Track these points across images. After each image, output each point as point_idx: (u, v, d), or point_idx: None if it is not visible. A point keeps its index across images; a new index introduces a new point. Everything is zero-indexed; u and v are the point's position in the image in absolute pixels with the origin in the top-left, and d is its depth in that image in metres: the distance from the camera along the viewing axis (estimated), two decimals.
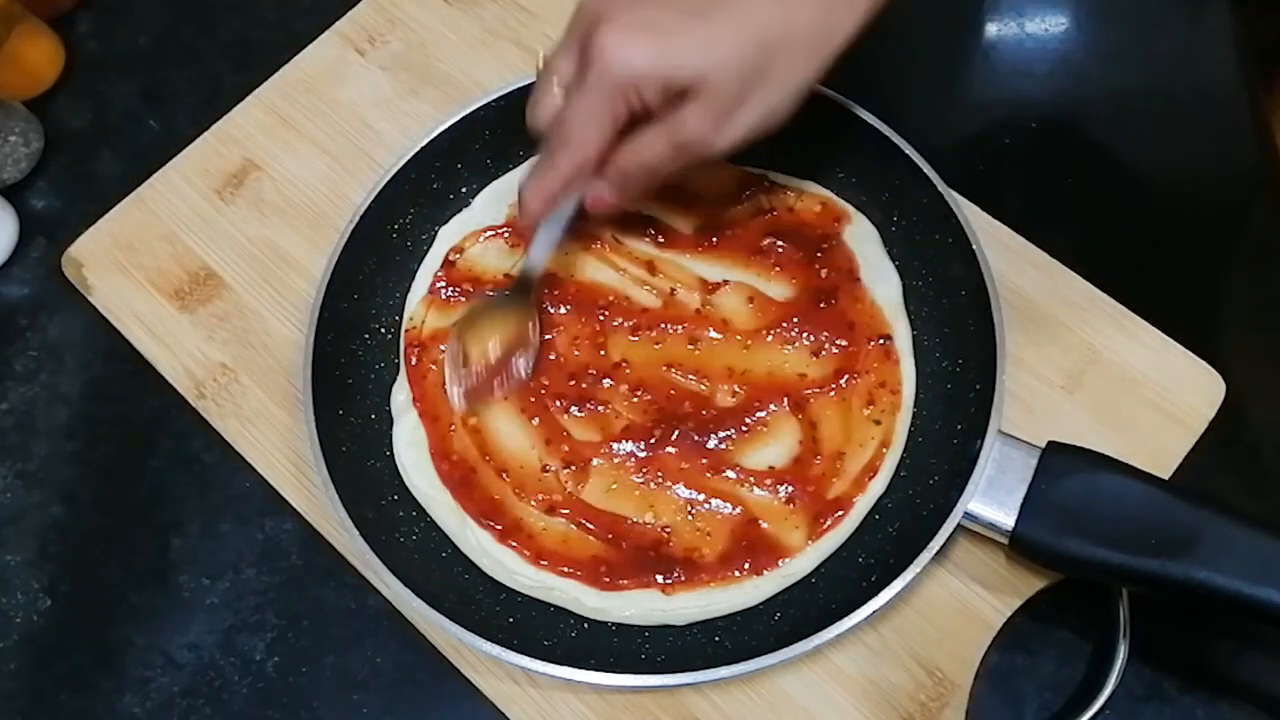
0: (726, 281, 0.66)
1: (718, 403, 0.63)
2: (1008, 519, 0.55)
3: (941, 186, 0.62)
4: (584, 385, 0.63)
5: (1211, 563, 0.51)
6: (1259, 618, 0.52)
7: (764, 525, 0.60)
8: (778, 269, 0.66)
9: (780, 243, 0.66)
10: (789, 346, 0.64)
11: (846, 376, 0.62)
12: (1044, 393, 0.62)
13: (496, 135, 0.68)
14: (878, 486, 0.60)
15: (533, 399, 0.63)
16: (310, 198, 0.71)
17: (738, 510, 0.60)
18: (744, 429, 0.62)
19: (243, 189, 0.71)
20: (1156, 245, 0.69)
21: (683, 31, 0.51)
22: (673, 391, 0.63)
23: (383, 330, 0.66)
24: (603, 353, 0.64)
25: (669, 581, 0.59)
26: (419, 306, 0.66)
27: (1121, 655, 0.55)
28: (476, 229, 0.68)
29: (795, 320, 0.64)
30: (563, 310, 0.65)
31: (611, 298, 0.66)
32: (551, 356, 0.64)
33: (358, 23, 0.76)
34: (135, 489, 0.65)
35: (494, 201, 0.69)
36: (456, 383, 0.63)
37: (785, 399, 0.62)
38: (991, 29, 0.76)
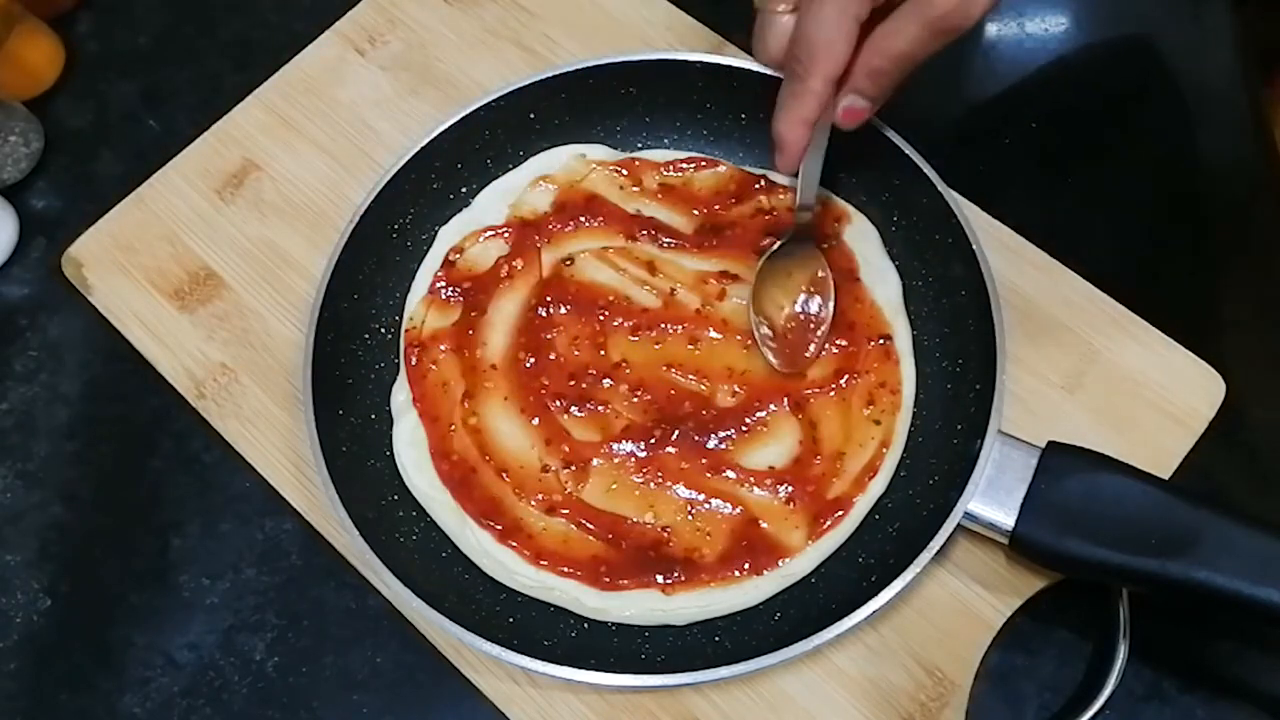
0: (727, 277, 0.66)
1: (718, 403, 0.63)
2: (1008, 519, 0.55)
3: (941, 186, 0.62)
4: (584, 385, 0.63)
5: (1211, 563, 0.51)
6: (1259, 618, 0.52)
7: (764, 525, 0.60)
8: None
9: (780, 242, 0.66)
10: None
11: (846, 376, 0.62)
12: (1044, 393, 0.62)
13: (496, 135, 0.68)
14: (878, 486, 0.60)
15: (533, 399, 0.63)
16: (310, 198, 0.71)
17: (738, 510, 0.60)
18: (744, 429, 0.62)
19: (243, 189, 0.71)
20: (1156, 245, 0.69)
21: None
22: (673, 391, 0.63)
23: (383, 330, 0.66)
24: (603, 353, 0.64)
25: (669, 581, 0.58)
26: (419, 306, 0.66)
27: (1121, 655, 0.55)
28: (476, 229, 0.68)
29: None
30: (563, 310, 0.65)
31: (611, 298, 0.66)
32: (551, 356, 0.64)
33: (358, 23, 0.76)
34: (135, 489, 0.65)
35: (494, 201, 0.69)
36: (772, 350, 0.63)
37: (785, 399, 0.62)
38: (991, 29, 0.76)
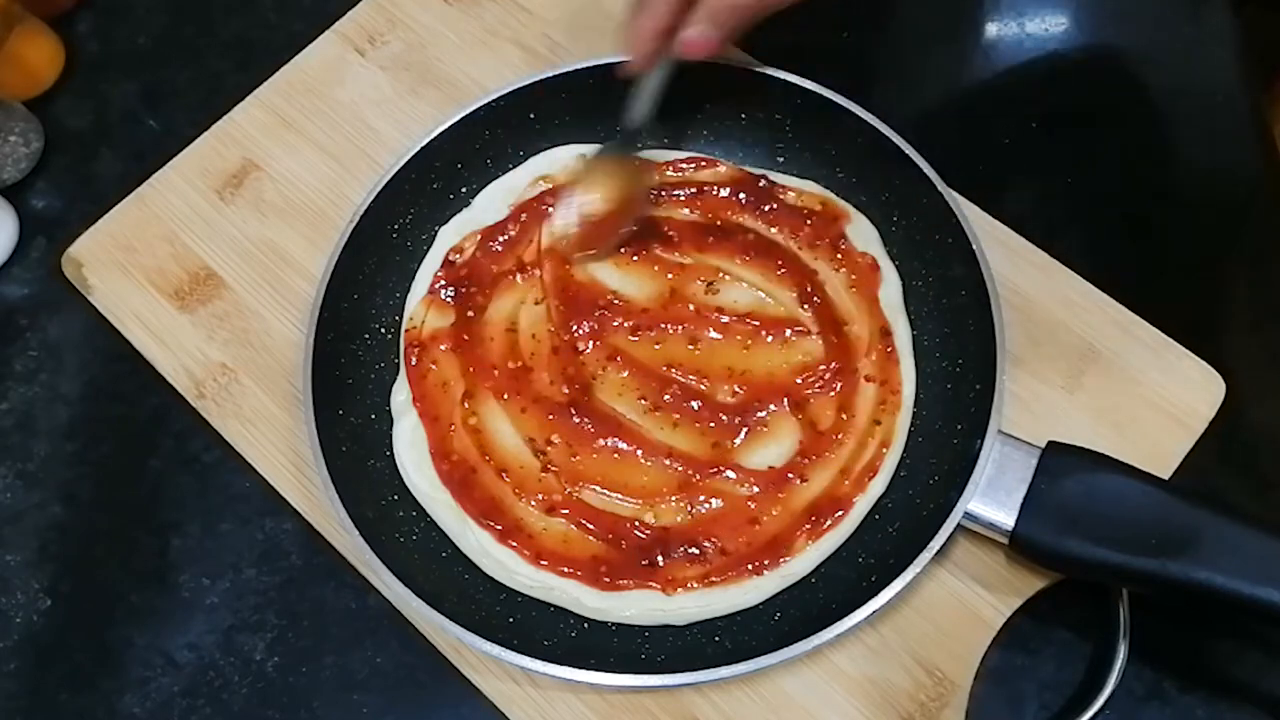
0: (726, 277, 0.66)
1: (718, 402, 0.63)
2: (1008, 519, 0.55)
3: (941, 186, 0.62)
4: (583, 385, 0.63)
5: (1211, 563, 0.51)
6: (1259, 618, 0.52)
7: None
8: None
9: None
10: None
11: None
12: (1044, 393, 0.62)
13: (496, 135, 0.68)
14: (878, 486, 0.60)
15: (533, 399, 0.63)
16: (310, 198, 0.71)
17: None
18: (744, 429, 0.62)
19: (243, 189, 0.71)
20: (1157, 245, 0.69)
21: None
22: (674, 390, 0.63)
23: (383, 330, 0.66)
24: (600, 352, 0.64)
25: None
26: (419, 306, 0.66)
27: (1121, 655, 0.55)
28: (476, 229, 0.68)
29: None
30: (563, 310, 0.65)
31: (611, 297, 0.66)
32: (551, 355, 0.64)
33: (358, 23, 0.76)
34: (135, 489, 0.65)
35: (494, 201, 0.69)
36: (561, 228, 0.66)
37: (785, 399, 0.62)
38: (991, 29, 0.76)
